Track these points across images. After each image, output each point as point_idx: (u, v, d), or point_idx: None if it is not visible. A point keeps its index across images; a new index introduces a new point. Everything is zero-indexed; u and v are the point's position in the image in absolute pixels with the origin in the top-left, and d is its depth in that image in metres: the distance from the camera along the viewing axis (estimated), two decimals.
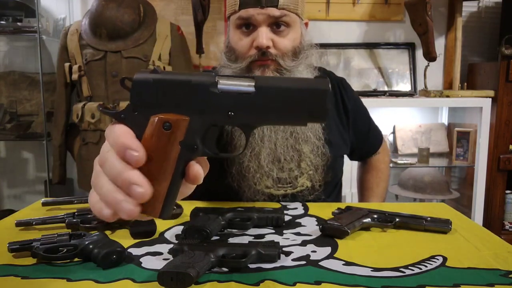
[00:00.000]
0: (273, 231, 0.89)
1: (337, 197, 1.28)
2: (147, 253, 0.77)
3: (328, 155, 1.11)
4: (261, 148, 1.03)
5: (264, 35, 0.96)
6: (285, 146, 1.04)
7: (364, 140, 1.31)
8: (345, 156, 1.33)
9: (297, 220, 0.96)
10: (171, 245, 0.76)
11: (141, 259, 0.74)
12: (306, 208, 1.05)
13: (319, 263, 0.73)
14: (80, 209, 0.92)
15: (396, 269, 0.70)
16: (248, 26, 1.00)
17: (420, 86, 2.45)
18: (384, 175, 1.37)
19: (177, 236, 0.85)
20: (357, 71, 2.49)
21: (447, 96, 2.28)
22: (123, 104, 1.89)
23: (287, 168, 1.06)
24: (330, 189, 1.20)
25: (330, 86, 0.47)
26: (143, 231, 0.86)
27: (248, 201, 1.07)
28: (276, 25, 0.99)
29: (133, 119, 0.44)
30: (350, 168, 2.17)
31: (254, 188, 1.06)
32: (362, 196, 1.40)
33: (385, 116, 2.52)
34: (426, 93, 2.33)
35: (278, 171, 1.06)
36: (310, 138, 1.06)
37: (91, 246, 0.73)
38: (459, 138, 2.35)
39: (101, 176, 0.45)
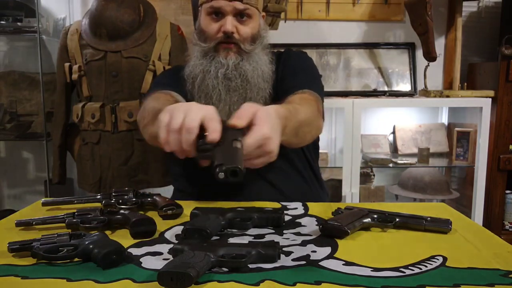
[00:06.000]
0: (273, 231, 0.89)
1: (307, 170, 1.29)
2: (147, 253, 0.77)
3: None
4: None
5: (230, 22, 1.17)
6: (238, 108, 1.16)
7: (289, 77, 1.24)
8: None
9: (297, 220, 0.96)
10: (171, 245, 0.76)
11: (141, 259, 0.74)
12: (306, 208, 1.06)
13: (319, 263, 0.73)
14: (80, 209, 0.92)
15: (396, 269, 0.70)
16: (217, 14, 1.20)
17: (420, 86, 2.45)
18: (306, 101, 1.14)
19: (177, 236, 0.85)
20: (357, 71, 2.49)
21: (447, 96, 2.28)
22: (123, 105, 1.89)
23: None
24: (286, 152, 1.15)
25: None
26: (143, 231, 0.86)
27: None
28: (240, 15, 1.19)
29: None
30: (349, 168, 2.18)
31: None
32: None
33: (385, 116, 2.53)
34: (426, 93, 2.33)
35: None
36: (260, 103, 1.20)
37: (91, 246, 0.73)
38: (459, 138, 2.35)
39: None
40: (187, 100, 1.23)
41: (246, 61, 1.20)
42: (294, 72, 1.29)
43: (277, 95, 1.24)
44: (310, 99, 1.15)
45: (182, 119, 0.77)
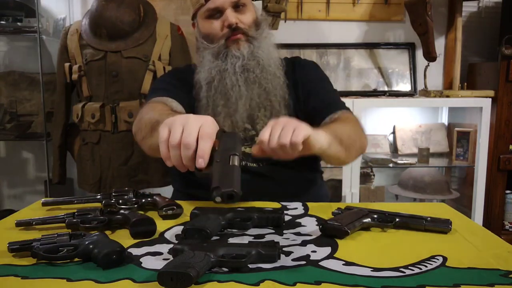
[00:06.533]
0: (273, 231, 0.89)
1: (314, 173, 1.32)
2: (147, 253, 0.77)
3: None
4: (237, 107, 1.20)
5: (231, 14, 1.19)
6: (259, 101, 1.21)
7: (318, 100, 1.26)
8: None
9: (297, 220, 0.96)
10: (171, 245, 0.76)
11: (141, 259, 0.74)
12: (306, 208, 1.06)
13: (319, 263, 0.73)
14: (80, 209, 0.92)
15: (396, 269, 0.70)
16: (215, 13, 1.21)
17: (420, 86, 2.45)
18: (350, 120, 1.20)
19: (177, 236, 0.85)
20: (357, 71, 2.49)
21: (447, 96, 2.28)
22: (123, 105, 1.89)
23: (242, 128, 1.21)
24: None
25: None
26: (143, 231, 0.86)
27: None
28: (236, 7, 1.21)
29: None
30: (349, 168, 2.18)
31: None
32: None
33: (385, 116, 2.53)
34: (426, 93, 2.33)
35: (241, 131, 1.21)
36: (276, 97, 1.23)
37: (91, 246, 0.73)
38: (459, 138, 2.35)
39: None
40: (198, 105, 1.22)
41: (259, 48, 1.21)
42: (316, 91, 1.28)
43: (298, 101, 1.26)
44: (353, 120, 1.18)
45: (180, 134, 0.76)
